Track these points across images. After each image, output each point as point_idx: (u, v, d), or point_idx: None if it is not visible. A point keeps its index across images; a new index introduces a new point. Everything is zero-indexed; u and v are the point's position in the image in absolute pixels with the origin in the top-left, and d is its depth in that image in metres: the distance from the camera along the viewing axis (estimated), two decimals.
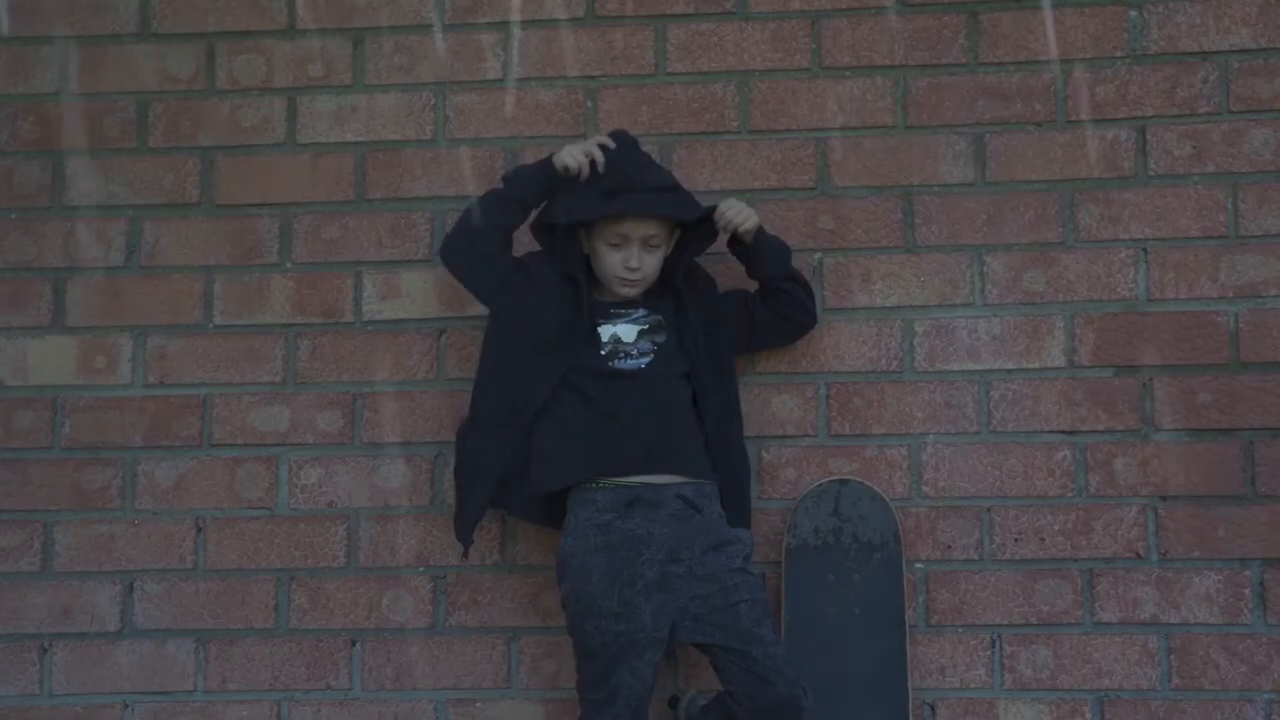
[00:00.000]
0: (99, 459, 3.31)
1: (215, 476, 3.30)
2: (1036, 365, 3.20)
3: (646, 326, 3.02)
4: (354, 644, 3.24)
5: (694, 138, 3.29)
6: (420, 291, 3.31)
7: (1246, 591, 3.12)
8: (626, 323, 3.02)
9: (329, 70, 3.38)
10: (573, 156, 2.98)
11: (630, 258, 2.99)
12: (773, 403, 3.21)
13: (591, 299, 3.02)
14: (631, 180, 2.98)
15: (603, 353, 2.98)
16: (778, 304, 3.10)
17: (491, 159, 3.32)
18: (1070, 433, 3.18)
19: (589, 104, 3.32)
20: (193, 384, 3.32)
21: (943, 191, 3.25)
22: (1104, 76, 3.26)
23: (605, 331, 3.00)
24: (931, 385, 3.21)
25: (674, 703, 3.10)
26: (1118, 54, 3.26)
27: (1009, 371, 3.20)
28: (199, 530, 3.29)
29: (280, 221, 3.35)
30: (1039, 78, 3.25)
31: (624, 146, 3.04)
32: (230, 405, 3.31)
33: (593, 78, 3.32)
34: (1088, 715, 3.12)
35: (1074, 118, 3.24)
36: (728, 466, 3.02)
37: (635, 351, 2.99)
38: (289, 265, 3.34)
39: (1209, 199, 3.21)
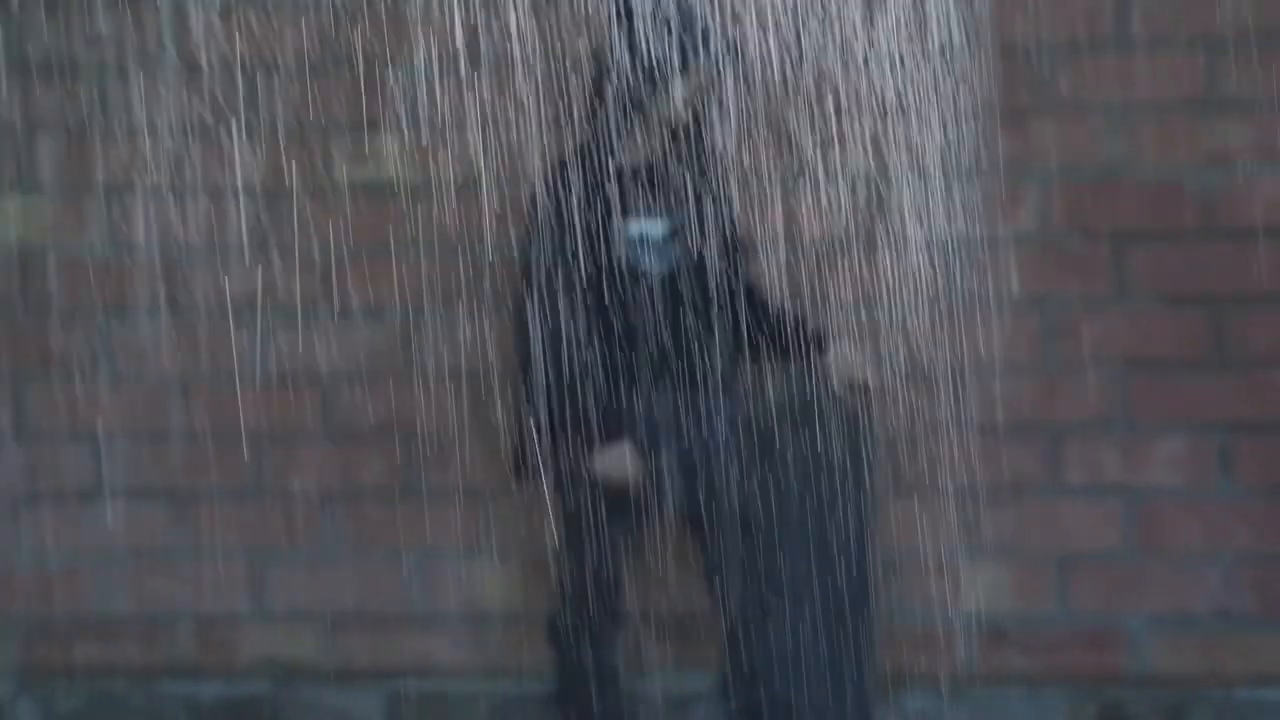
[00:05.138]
0: (70, 322, 3.31)
1: (188, 340, 3.30)
2: (1009, 231, 3.19)
3: (672, 225, 2.92)
4: (327, 505, 3.27)
5: None
6: (391, 155, 3.28)
7: (1213, 456, 3.14)
8: (651, 219, 2.92)
9: None
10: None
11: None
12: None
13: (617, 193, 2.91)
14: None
15: (626, 251, 2.87)
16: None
17: (467, 17, 3.27)
18: (1040, 299, 3.18)
19: None
20: (164, 246, 3.31)
21: (921, 59, 3.22)
22: None
23: (632, 228, 2.89)
24: (900, 252, 3.20)
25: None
26: None
27: (980, 237, 3.19)
28: (173, 393, 3.30)
29: (255, 81, 3.32)
30: None
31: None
32: (203, 268, 3.31)
33: None
34: (1051, 577, 3.16)
35: None
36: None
37: (657, 255, 2.88)
38: (261, 126, 3.32)
39: (1186, 65, 3.18)
